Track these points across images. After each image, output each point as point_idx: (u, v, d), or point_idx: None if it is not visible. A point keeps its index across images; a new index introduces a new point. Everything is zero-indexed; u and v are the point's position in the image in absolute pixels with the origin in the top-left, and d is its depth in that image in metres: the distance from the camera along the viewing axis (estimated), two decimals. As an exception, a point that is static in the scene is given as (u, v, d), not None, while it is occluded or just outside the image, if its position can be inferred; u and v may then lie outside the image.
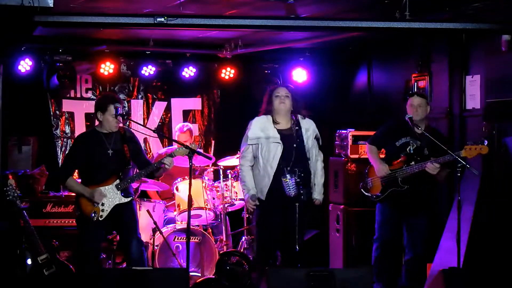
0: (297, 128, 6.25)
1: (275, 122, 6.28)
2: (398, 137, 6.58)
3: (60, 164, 8.89)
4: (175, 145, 7.93)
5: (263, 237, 6.30)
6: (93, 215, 6.22)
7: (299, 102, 6.36)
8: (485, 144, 6.07)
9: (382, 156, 6.80)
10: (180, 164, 7.18)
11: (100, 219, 6.24)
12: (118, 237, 7.28)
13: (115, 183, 6.28)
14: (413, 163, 6.42)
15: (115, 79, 9.15)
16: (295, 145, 6.16)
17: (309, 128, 6.30)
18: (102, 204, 6.25)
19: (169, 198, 8.12)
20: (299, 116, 6.34)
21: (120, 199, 6.29)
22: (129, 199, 6.34)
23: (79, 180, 6.53)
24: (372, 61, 9.02)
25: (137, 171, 6.53)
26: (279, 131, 6.24)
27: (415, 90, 7.88)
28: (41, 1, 5.19)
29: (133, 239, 6.33)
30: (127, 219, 6.36)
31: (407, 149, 6.52)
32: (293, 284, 5.33)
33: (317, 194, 6.29)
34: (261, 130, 6.25)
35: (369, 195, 6.73)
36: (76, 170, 6.60)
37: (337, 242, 7.87)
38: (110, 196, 6.26)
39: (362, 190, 6.78)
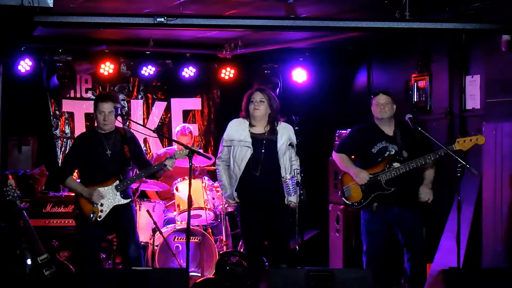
0: (273, 133, 6.29)
1: (251, 125, 6.33)
2: (372, 143, 6.37)
3: (59, 164, 8.90)
4: (175, 145, 7.95)
5: (245, 237, 6.42)
6: (91, 215, 6.22)
7: (274, 106, 6.34)
8: (482, 134, 6.06)
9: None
10: (180, 165, 7.18)
11: (98, 219, 6.23)
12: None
13: (114, 184, 6.27)
14: (395, 164, 6.24)
15: (115, 79, 9.14)
16: (263, 151, 6.20)
17: (284, 134, 6.29)
18: (101, 205, 6.24)
19: (169, 198, 8.12)
20: (275, 122, 6.35)
21: (119, 200, 6.29)
22: (128, 200, 6.34)
23: (79, 180, 6.53)
24: (372, 61, 9.01)
25: (137, 172, 6.52)
26: (253, 135, 6.29)
27: (415, 90, 7.88)
28: (41, 1, 5.20)
29: (131, 243, 6.33)
30: (125, 222, 6.35)
31: (386, 154, 6.32)
32: (293, 284, 5.33)
33: (293, 196, 6.24)
34: (235, 132, 6.33)
35: (349, 203, 6.46)
36: (76, 170, 6.61)
37: (337, 242, 7.86)
38: (109, 197, 6.26)
39: (343, 198, 6.53)
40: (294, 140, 6.30)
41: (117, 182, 6.27)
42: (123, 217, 6.33)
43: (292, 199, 6.23)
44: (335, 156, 6.63)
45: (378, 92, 6.49)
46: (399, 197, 6.27)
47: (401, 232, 6.38)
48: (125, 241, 6.35)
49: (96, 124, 6.46)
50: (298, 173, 6.05)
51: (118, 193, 6.27)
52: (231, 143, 6.33)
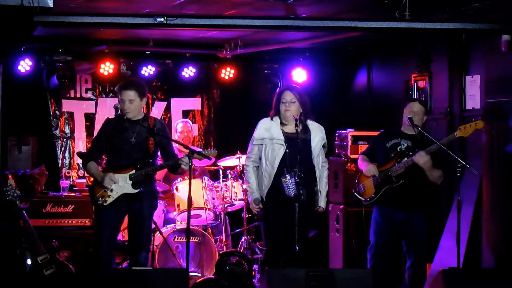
0: (305, 132, 6.21)
1: (282, 124, 6.26)
2: (388, 139, 6.56)
3: (59, 164, 8.99)
4: (175, 145, 7.96)
5: (270, 236, 6.28)
6: (99, 199, 6.20)
7: (306, 105, 6.26)
8: (480, 118, 6.12)
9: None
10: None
11: (104, 204, 6.17)
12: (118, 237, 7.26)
13: (130, 173, 6.21)
14: (405, 159, 6.37)
15: (115, 79, 9.12)
16: (300, 149, 6.08)
17: (317, 134, 6.27)
18: (111, 191, 6.19)
19: (169, 198, 8.12)
20: (308, 120, 6.30)
21: (128, 189, 6.19)
22: (136, 190, 6.19)
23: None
24: (372, 61, 9.02)
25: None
26: (286, 133, 6.21)
27: (415, 90, 7.89)
28: (41, 1, 5.20)
29: (143, 251, 6.28)
30: (143, 227, 6.28)
31: (398, 148, 6.48)
32: (293, 284, 5.33)
33: (322, 201, 6.27)
34: (266, 131, 6.25)
35: (363, 199, 6.64)
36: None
37: (337, 242, 7.87)
38: (120, 184, 6.19)
39: (355, 194, 6.71)
40: (326, 141, 6.34)
41: (133, 171, 6.21)
42: (141, 222, 6.26)
43: (322, 204, 6.26)
44: (359, 158, 6.79)
45: (415, 99, 6.68)
46: (409, 191, 6.37)
47: (406, 240, 6.51)
48: (138, 247, 6.27)
49: (118, 112, 6.35)
50: (298, 173, 6.05)
51: (129, 182, 6.19)
52: (262, 141, 6.23)
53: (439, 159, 6.30)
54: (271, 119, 6.31)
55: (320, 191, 6.27)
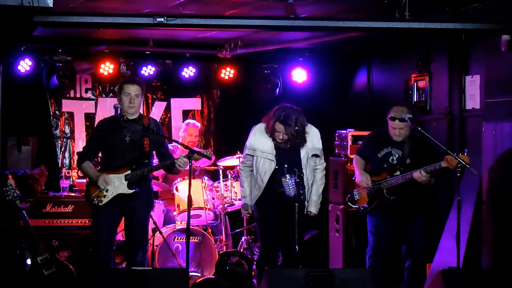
0: (297, 140, 6.14)
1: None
2: (379, 148, 6.54)
3: (59, 164, 8.99)
4: (175, 144, 7.95)
5: (265, 237, 6.30)
6: (95, 199, 6.20)
7: (299, 129, 6.10)
8: (465, 153, 6.07)
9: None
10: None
11: (100, 204, 6.18)
12: (117, 237, 7.27)
13: (125, 173, 6.22)
14: (397, 173, 6.39)
15: (114, 79, 9.12)
16: (286, 165, 6.07)
17: (307, 145, 6.20)
18: (106, 191, 6.19)
19: (169, 198, 8.12)
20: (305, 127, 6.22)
21: (124, 189, 6.19)
22: (132, 191, 6.21)
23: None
24: (372, 61, 9.02)
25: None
26: (278, 144, 6.17)
27: (415, 90, 7.87)
28: (41, 1, 5.20)
29: (140, 250, 6.29)
30: (138, 227, 6.29)
31: (390, 159, 6.49)
32: (293, 284, 5.34)
33: (312, 206, 6.26)
34: (258, 142, 6.22)
35: (357, 206, 6.68)
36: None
37: (337, 242, 7.87)
38: (116, 184, 6.19)
39: (348, 203, 6.75)
40: (318, 147, 6.27)
41: (129, 171, 6.21)
42: (137, 221, 6.27)
43: (312, 209, 6.25)
44: (354, 158, 6.82)
45: (393, 117, 6.47)
46: (400, 206, 6.42)
47: (404, 241, 6.56)
48: (135, 247, 6.29)
49: (118, 112, 6.30)
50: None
51: (125, 183, 6.20)
52: (254, 152, 6.22)
53: (431, 155, 6.34)
54: (265, 127, 6.21)
55: (311, 197, 6.26)
